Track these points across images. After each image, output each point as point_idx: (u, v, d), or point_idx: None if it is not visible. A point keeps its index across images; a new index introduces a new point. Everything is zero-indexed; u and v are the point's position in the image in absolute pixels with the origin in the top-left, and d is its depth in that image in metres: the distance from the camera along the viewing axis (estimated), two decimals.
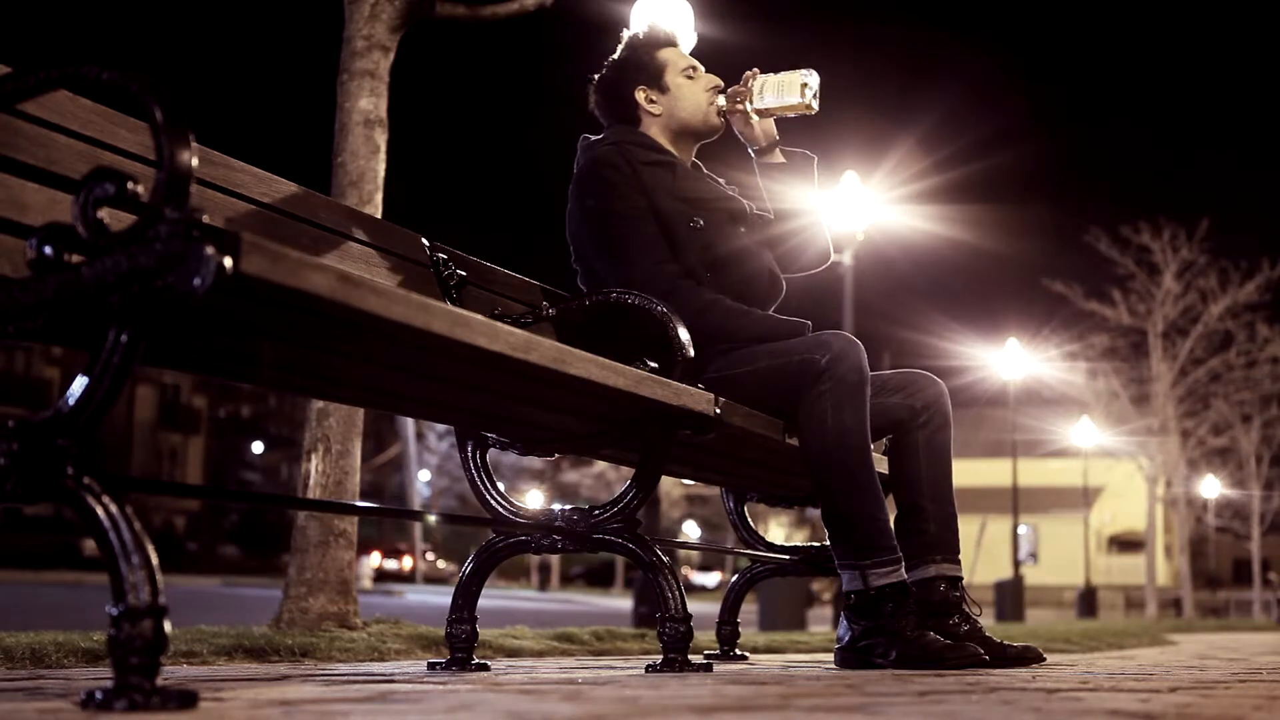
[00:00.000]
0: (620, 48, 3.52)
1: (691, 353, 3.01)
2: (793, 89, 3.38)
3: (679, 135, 3.44)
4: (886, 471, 3.51)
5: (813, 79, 3.39)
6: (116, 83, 1.68)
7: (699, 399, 2.81)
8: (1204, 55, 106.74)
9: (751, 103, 3.42)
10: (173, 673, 2.78)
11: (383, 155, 4.84)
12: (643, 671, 2.87)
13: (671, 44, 3.53)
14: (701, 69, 3.50)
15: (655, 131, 3.43)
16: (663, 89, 3.44)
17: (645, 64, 3.46)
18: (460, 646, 3.04)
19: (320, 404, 4.61)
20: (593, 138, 3.45)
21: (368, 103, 4.82)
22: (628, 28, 3.62)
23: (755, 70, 3.44)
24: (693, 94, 3.44)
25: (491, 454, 3.12)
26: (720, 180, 3.53)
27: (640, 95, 3.44)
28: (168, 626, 1.54)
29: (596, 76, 3.52)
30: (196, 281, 1.50)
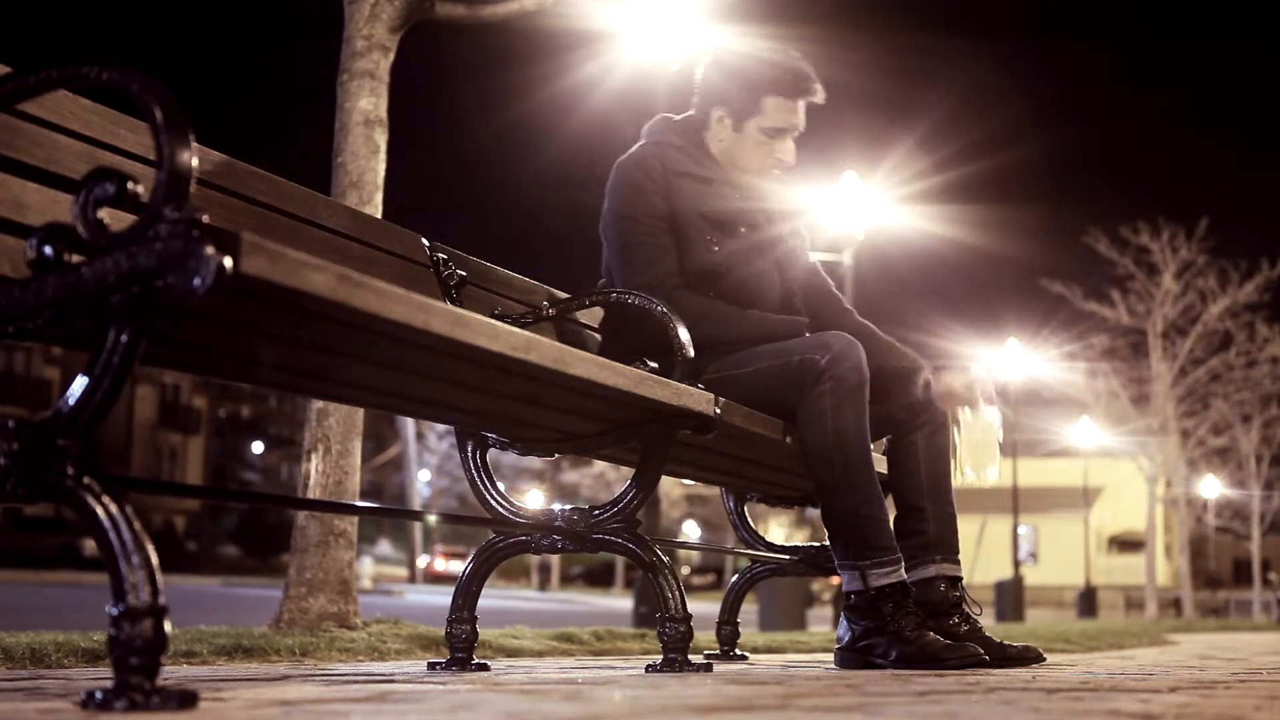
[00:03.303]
0: (754, 52, 3.36)
1: (691, 353, 3.01)
2: (984, 457, 3.36)
3: (729, 165, 3.38)
4: (886, 471, 3.51)
5: (989, 472, 3.39)
6: (116, 82, 1.68)
7: (699, 399, 2.81)
8: (1203, 55, 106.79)
9: (961, 423, 3.37)
10: (173, 673, 2.78)
11: (383, 155, 4.84)
12: (643, 671, 2.87)
13: (788, 94, 3.32)
14: (791, 135, 3.35)
15: (713, 144, 3.37)
16: (737, 128, 3.33)
17: (746, 97, 3.31)
18: (460, 646, 3.04)
19: (320, 404, 4.61)
20: (673, 119, 3.41)
21: (368, 103, 4.82)
22: (773, 50, 3.38)
23: (999, 440, 3.39)
24: (756, 155, 3.34)
25: (491, 454, 3.12)
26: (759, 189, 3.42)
27: (715, 114, 3.35)
28: (168, 626, 1.54)
29: (714, 57, 3.40)
30: (197, 281, 1.50)
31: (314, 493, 4.59)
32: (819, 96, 3.36)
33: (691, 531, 53.47)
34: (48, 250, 1.62)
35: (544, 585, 49.84)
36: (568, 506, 3.11)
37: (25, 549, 33.40)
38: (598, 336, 3.48)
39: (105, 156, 2.06)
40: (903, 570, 3.14)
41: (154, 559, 1.55)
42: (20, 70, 1.83)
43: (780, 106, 3.32)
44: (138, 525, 1.56)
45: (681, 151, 3.33)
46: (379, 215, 4.68)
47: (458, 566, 46.90)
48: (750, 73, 3.32)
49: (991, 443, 3.36)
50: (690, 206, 3.27)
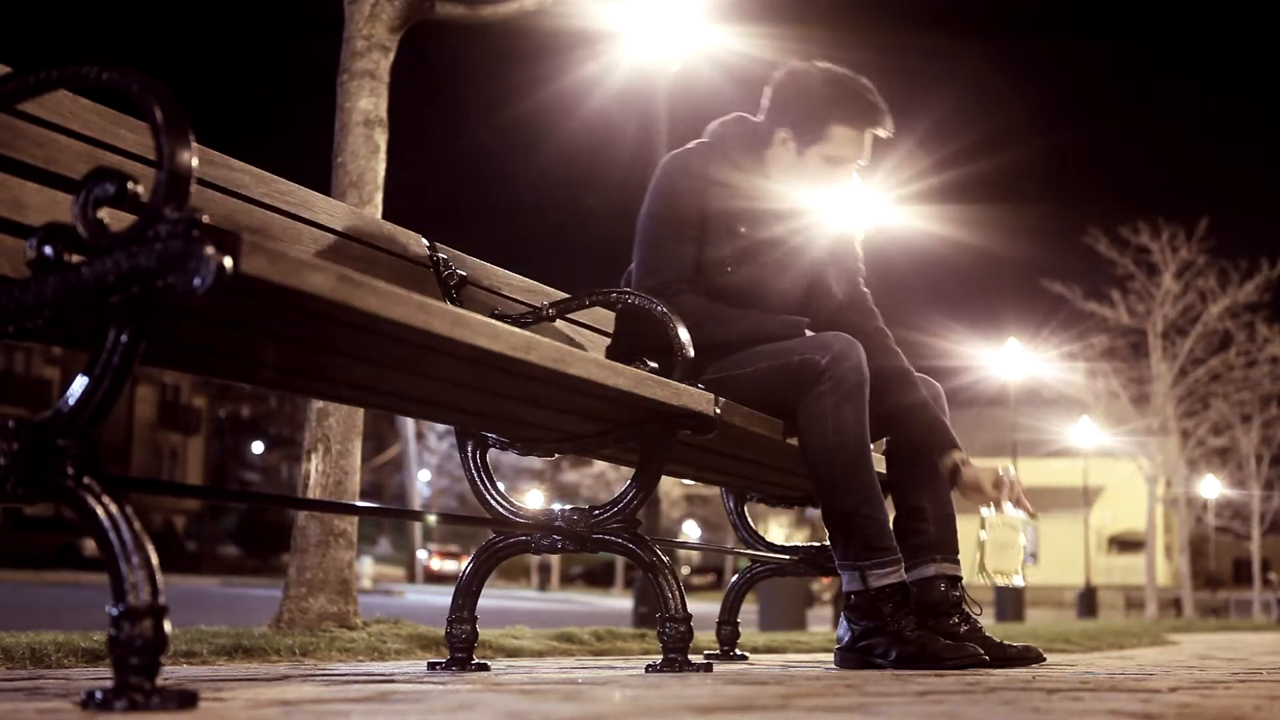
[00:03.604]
0: (827, 77, 3.26)
1: (691, 353, 3.01)
2: (1008, 561, 3.27)
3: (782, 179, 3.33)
4: (886, 471, 3.51)
5: (1014, 578, 3.31)
6: (116, 82, 1.68)
7: (699, 399, 2.81)
8: (1204, 54, 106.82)
9: (985, 522, 3.28)
10: (173, 673, 2.78)
11: (383, 155, 4.84)
12: (643, 671, 2.87)
13: (856, 125, 3.26)
14: (852, 165, 3.29)
15: (773, 163, 3.31)
16: (800, 152, 3.27)
17: (813, 123, 3.25)
18: (460, 646, 3.04)
19: (320, 404, 4.61)
20: (747, 121, 3.34)
21: (368, 103, 4.82)
22: (848, 72, 3.28)
23: (1025, 535, 3.31)
24: (815, 182, 3.29)
25: (491, 454, 3.12)
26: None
27: (780, 135, 3.28)
28: (168, 626, 1.54)
29: (788, 74, 3.32)
30: (197, 281, 1.50)
31: (314, 493, 4.59)
32: (887, 130, 3.29)
33: (691, 531, 53.47)
34: (48, 250, 1.62)
35: (544, 585, 49.85)
36: (568, 506, 3.11)
37: (25, 549, 33.40)
38: (598, 337, 3.48)
39: (105, 156, 2.06)
40: (902, 570, 3.14)
41: (154, 559, 1.55)
42: (20, 70, 1.83)
43: (846, 136, 3.26)
44: (138, 525, 1.56)
45: (730, 159, 3.28)
46: (379, 215, 4.68)
47: (452, 565, 47.49)
48: (820, 98, 3.24)
49: (1016, 545, 3.29)
50: (718, 214, 3.24)
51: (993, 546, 3.28)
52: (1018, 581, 3.31)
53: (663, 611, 2.87)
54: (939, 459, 3.34)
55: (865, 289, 3.54)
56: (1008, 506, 3.28)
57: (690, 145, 3.37)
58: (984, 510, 3.30)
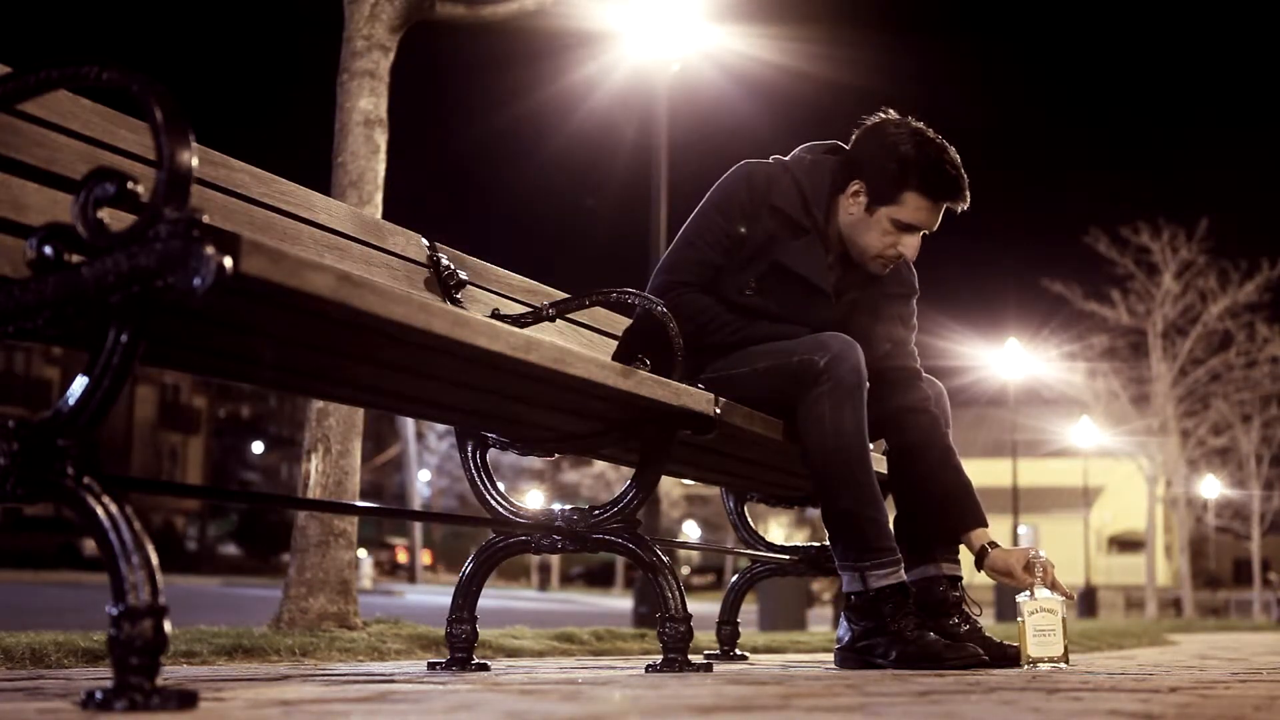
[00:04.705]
0: (915, 136, 3.18)
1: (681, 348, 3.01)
2: (1049, 648, 3.15)
3: (848, 238, 3.27)
4: (886, 471, 3.51)
5: (1059, 664, 3.17)
6: (116, 83, 1.68)
7: (699, 399, 2.81)
8: (1204, 55, 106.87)
9: (1021, 609, 3.19)
10: (173, 673, 2.78)
11: (383, 155, 4.84)
12: (643, 671, 2.87)
13: (933, 195, 3.18)
14: (919, 234, 3.22)
15: (841, 211, 3.25)
16: (870, 210, 3.21)
17: (889, 186, 3.18)
18: (460, 646, 3.04)
19: (320, 404, 4.61)
20: (834, 157, 3.29)
21: (368, 103, 4.82)
22: (935, 136, 3.21)
23: (1066, 607, 3.21)
24: (879, 242, 3.22)
25: (491, 454, 3.12)
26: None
27: (853, 187, 3.22)
28: (168, 626, 1.54)
29: (877, 125, 3.24)
30: (197, 281, 1.50)
31: (314, 493, 4.59)
32: (963, 205, 3.22)
33: (691, 531, 53.44)
34: (48, 250, 1.63)
35: (544, 585, 49.86)
36: (568, 506, 3.11)
37: (25, 549, 33.40)
38: (598, 337, 3.48)
39: (105, 156, 2.06)
40: (902, 571, 3.14)
41: (154, 559, 1.55)
42: (20, 70, 1.83)
43: (920, 204, 3.18)
44: (138, 525, 1.56)
45: (798, 190, 3.23)
46: (379, 215, 4.69)
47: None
48: (901, 162, 3.16)
49: (1057, 629, 3.18)
50: (760, 241, 3.21)
51: (1033, 635, 3.18)
52: (1065, 668, 3.21)
53: (663, 611, 2.87)
54: (964, 535, 3.30)
55: (910, 345, 3.45)
56: (1042, 591, 3.20)
57: (766, 160, 3.33)
58: (1019, 597, 3.22)
